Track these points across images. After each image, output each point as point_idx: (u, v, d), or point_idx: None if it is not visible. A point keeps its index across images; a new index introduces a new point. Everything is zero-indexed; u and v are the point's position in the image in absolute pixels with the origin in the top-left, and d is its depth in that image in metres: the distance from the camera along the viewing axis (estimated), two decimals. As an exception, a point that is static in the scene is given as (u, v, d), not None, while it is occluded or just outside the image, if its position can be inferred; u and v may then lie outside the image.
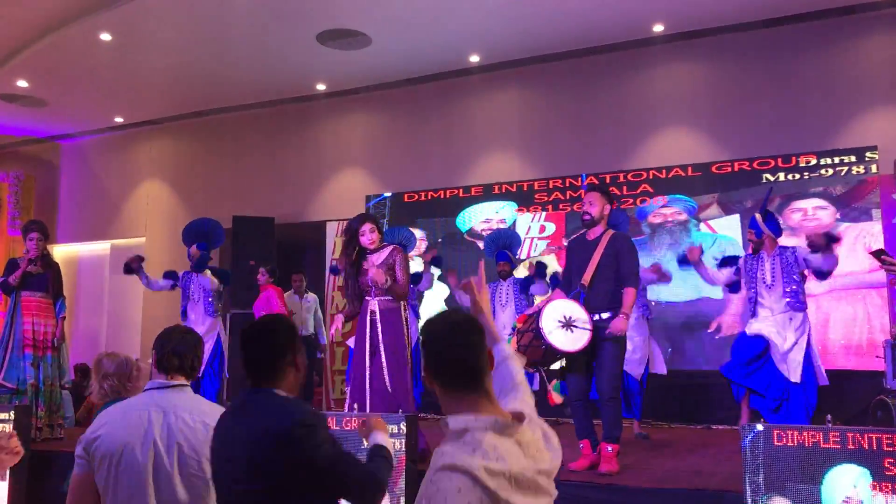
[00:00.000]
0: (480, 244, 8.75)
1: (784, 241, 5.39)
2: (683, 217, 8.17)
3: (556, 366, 4.83)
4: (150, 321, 10.47)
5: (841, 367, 7.16)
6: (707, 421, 7.29)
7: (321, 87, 10.06)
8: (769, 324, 5.23)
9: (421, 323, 5.97)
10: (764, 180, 7.73)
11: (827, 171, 7.58)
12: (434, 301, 8.68)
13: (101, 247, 11.97)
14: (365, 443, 2.51)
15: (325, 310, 9.29)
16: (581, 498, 3.95)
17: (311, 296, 8.60)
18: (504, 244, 7.34)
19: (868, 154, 7.42)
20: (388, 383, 4.81)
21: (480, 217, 9.19)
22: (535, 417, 1.78)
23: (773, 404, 5.16)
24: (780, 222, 5.27)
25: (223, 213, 9.07)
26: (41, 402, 6.05)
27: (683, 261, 5.82)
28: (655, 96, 8.58)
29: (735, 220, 7.86)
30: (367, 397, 4.82)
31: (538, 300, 6.66)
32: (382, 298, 4.92)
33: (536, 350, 4.28)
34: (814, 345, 5.31)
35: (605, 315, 4.48)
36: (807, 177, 7.65)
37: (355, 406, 4.77)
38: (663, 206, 8.25)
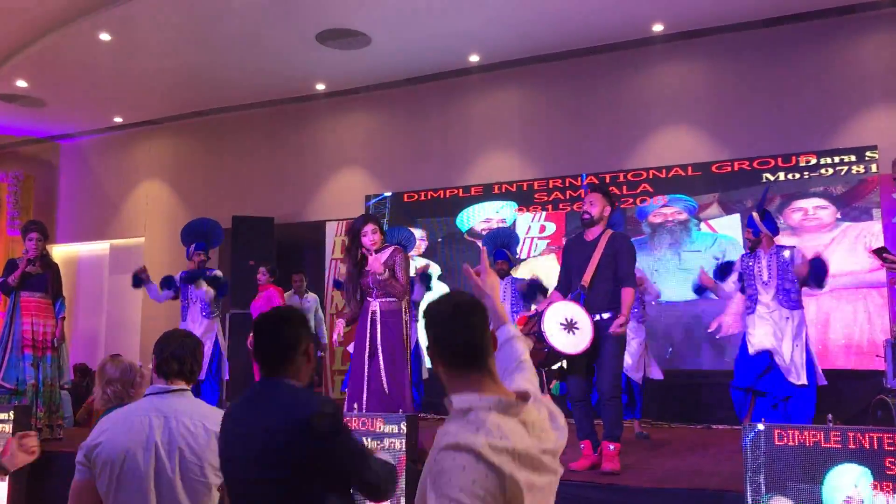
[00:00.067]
0: (480, 244, 8.75)
1: (785, 240, 5.42)
2: (684, 217, 8.17)
3: (555, 366, 4.84)
4: (150, 321, 10.46)
5: (841, 366, 7.17)
6: (707, 421, 7.29)
7: (321, 86, 10.05)
8: (768, 330, 5.23)
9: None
10: (764, 180, 7.73)
11: (827, 170, 7.58)
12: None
13: (100, 247, 11.97)
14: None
15: (325, 310, 9.29)
16: (582, 498, 3.94)
17: (312, 296, 8.59)
18: (502, 243, 7.33)
19: (868, 153, 7.42)
20: (385, 385, 4.82)
21: (480, 217, 9.19)
22: (540, 396, 1.78)
23: (772, 401, 5.18)
24: (780, 221, 5.30)
25: (223, 213, 9.06)
26: (40, 402, 6.04)
27: (700, 290, 5.78)
28: (655, 96, 8.57)
29: (735, 219, 7.86)
30: (365, 398, 4.82)
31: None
32: (383, 300, 4.93)
33: (538, 353, 4.28)
34: (811, 346, 5.32)
35: (605, 315, 4.48)
36: (807, 176, 7.65)
37: (354, 406, 4.77)
38: (663, 206, 8.25)
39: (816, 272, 5.25)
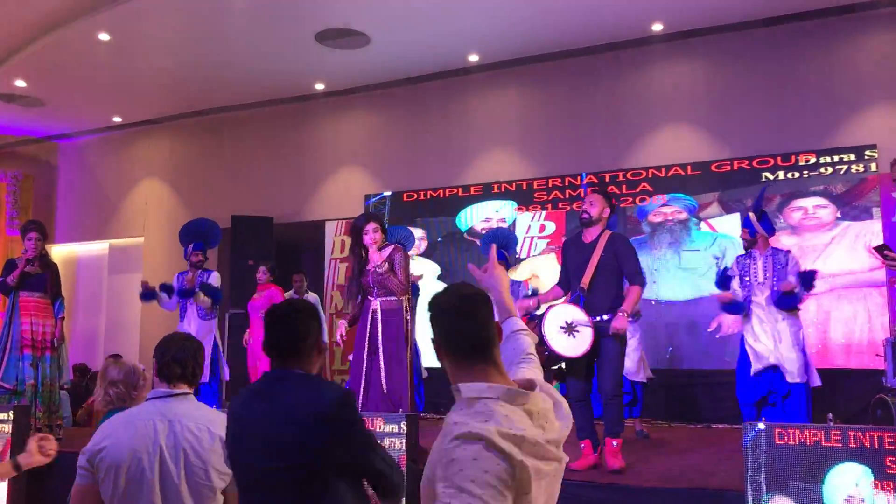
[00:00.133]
0: (479, 242, 8.75)
1: (785, 239, 5.42)
2: (683, 216, 8.16)
3: (554, 367, 4.85)
4: (149, 321, 10.45)
5: (841, 365, 7.17)
6: (707, 420, 7.29)
7: (320, 86, 10.04)
8: (767, 342, 5.25)
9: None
10: (763, 179, 7.73)
11: (826, 169, 7.58)
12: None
13: (99, 246, 11.95)
14: None
15: (325, 310, 9.28)
16: (582, 497, 3.94)
17: (312, 295, 8.58)
18: (501, 244, 7.29)
19: (867, 152, 7.42)
20: (384, 383, 4.83)
21: (480, 216, 9.18)
22: (544, 385, 1.79)
23: (772, 399, 5.20)
24: (780, 220, 5.31)
25: (222, 213, 9.05)
26: (40, 402, 6.03)
27: (727, 308, 5.67)
28: (654, 95, 8.57)
29: (735, 218, 7.85)
30: (363, 396, 4.83)
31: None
32: (384, 298, 4.95)
33: (539, 355, 4.29)
34: (808, 348, 5.34)
35: (605, 317, 4.49)
36: (806, 175, 7.65)
37: (354, 405, 4.77)
38: (663, 205, 8.25)
39: (805, 278, 5.29)
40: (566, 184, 8.71)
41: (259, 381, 2.27)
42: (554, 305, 4.53)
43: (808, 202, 7.63)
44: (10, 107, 10.62)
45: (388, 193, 9.68)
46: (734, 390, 5.56)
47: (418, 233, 9.09)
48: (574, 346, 4.30)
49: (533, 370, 1.89)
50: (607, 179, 8.42)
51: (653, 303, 7.91)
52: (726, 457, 4.96)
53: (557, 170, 8.82)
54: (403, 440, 3.85)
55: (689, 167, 8.15)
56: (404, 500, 3.72)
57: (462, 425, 1.57)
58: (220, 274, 7.04)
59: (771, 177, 7.75)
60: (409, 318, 5.06)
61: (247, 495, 2.18)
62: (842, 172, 7.52)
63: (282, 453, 2.05)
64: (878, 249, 5.32)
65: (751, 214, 5.51)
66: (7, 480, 4.52)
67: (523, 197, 8.92)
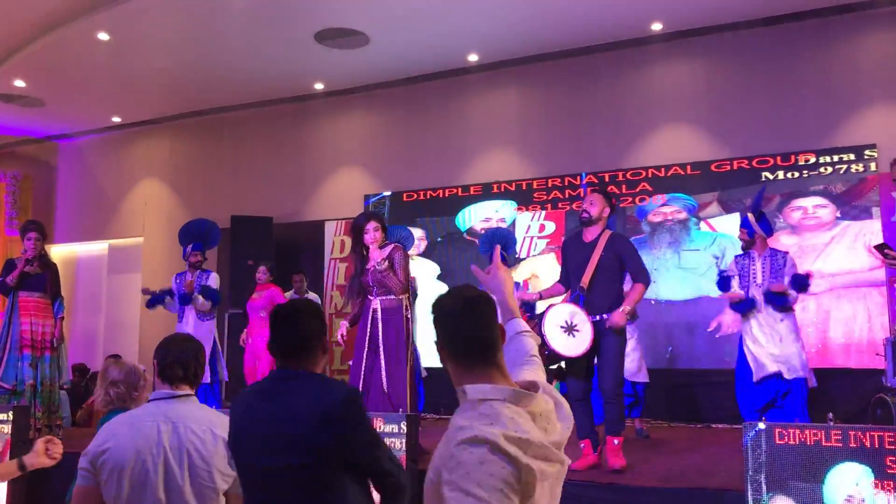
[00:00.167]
0: (477, 242, 8.74)
1: (784, 238, 5.43)
2: (683, 215, 8.16)
3: (554, 366, 4.85)
4: (148, 321, 10.43)
5: (841, 365, 7.17)
6: (707, 420, 7.29)
7: (319, 86, 10.04)
8: (768, 345, 5.26)
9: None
10: (763, 178, 7.73)
11: (826, 169, 7.58)
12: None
13: (98, 247, 11.94)
14: None
15: (325, 310, 9.28)
16: (582, 497, 3.94)
17: (313, 295, 8.58)
18: (499, 243, 7.31)
19: (867, 152, 7.42)
20: (384, 383, 4.83)
21: (480, 216, 9.18)
22: (547, 386, 1.79)
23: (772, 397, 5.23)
24: (780, 220, 5.31)
25: (221, 213, 9.05)
26: (39, 402, 6.02)
27: (738, 308, 5.67)
28: (654, 95, 8.56)
29: (735, 218, 7.83)
30: (363, 395, 4.83)
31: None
32: (384, 298, 4.95)
33: (539, 354, 4.30)
34: (806, 346, 5.36)
35: (605, 316, 4.50)
36: (806, 175, 7.65)
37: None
38: (663, 205, 8.25)
39: (797, 281, 5.29)
40: (566, 183, 8.71)
41: (264, 381, 2.28)
42: (554, 304, 4.53)
43: (808, 202, 7.63)
44: (9, 107, 10.62)
45: (387, 193, 9.68)
46: (734, 390, 5.57)
47: (418, 233, 9.09)
48: (574, 345, 4.30)
49: (536, 372, 1.89)
50: (607, 179, 8.42)
51: (652, 303, 7.90)
52: (726, 457, 4.96)
53: (557, 170, 8.82)
54: (403, 440, 3.85)
55: (688, 167, 8.15)
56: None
57: (468, 429, 1.57)
58: (219, 275, 7.04)
59: (770, 176, 7.75)
60: (409, 316, 5.06)
61: (252, 495, 2.18)
62: (841, 172, 7.52)
63: (289, 452, 2.06)
64: (879, 248, 5.33)
65: (749, 215, 5.53)
66: (7, 481, 4.52)
67: (523, 197, 8.92)
